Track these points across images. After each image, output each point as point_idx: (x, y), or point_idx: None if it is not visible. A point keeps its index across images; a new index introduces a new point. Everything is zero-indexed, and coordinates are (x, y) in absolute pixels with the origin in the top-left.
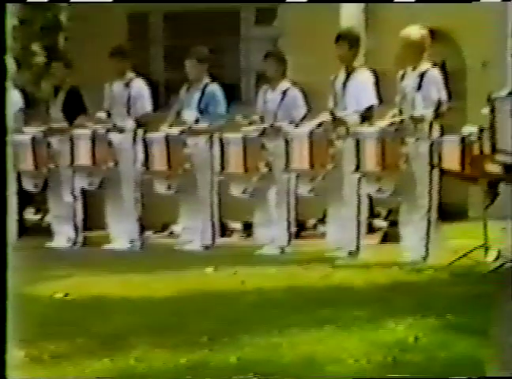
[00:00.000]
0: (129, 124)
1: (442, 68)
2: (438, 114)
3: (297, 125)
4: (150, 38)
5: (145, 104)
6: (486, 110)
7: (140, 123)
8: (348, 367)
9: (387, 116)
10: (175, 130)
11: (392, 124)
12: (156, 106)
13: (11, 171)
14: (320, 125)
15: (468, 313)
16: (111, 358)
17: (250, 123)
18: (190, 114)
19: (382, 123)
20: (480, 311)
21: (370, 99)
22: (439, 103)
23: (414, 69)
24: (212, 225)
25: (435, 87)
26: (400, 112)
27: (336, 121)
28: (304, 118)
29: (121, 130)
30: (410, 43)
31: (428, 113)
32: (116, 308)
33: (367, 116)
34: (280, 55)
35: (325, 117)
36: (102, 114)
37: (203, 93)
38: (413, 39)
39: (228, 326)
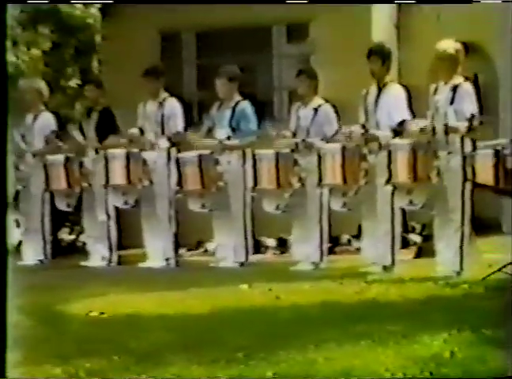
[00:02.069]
0: (163, 142)
1: (475, 81)
2: (470, 128)
3: (328, 142)
4: (183, 57)
5: (178, 123)
6: None
7: (173, 142)
8: None
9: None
10: (207, 148)
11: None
12: (189, 125)
13: (43, 190)
14: (350, 133)
15: (504, 327)
16: (148, 375)
17: (283, 138)
18: (221, 132)
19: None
20: None
21: (403, 114)
22: (472, 117)
23: (446, 83)
24: (246, 242)
25: (468, 101)
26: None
27: (369, 136)
28: (336, 134)
29: (154, 148)
30: (445, 57)
31: (462, 125)
32: (152, 325)
33: (399, 131)
34: (312, 72)
35: (356, 129)
36: (135, 131)
37: (234, 111)
38: (448, 53)
39: (264, 342)
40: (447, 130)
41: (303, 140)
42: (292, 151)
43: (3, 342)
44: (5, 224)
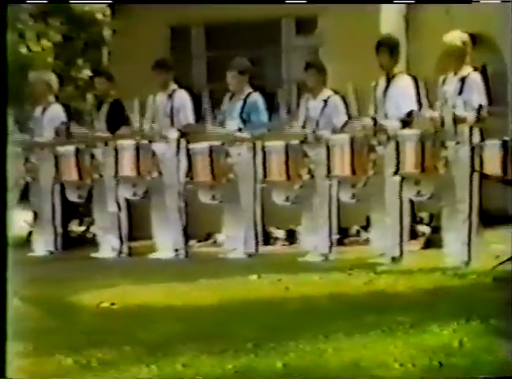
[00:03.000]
0: (173, 134)
1: (483, 72)
2: (478, 118)
3: (337, 133)
4: (192, 50)
5: (188, 115)
6: None
7: (183, 134)
8: (393, 371)
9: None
10: (217, 139)
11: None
12: (199, 117)
13: (53, 182)
14: (362, 127)
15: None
16: (158, 365)
17: (292, 130)
18: (232, 124)
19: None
20: None
21: (410, 104)
22: (480, 108)
23: (455, 74)
24: (256, 233)
25: (476, 91)
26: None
27: (377, 127)
28: (345, 125)
29: (164, 140)
30: (452, 48)
31: (470, 115)
32: (162, 316)
33: (407, 121)
34: (320, 65)
35: (366, 122)
36: (144, 122)
37: (245, 103)
38: (455, 45)
39: (273, 332)
40: (455, 120)
41: (313, 132)
42: (302, 142)
43: (3, 342)
44: (5, 218)
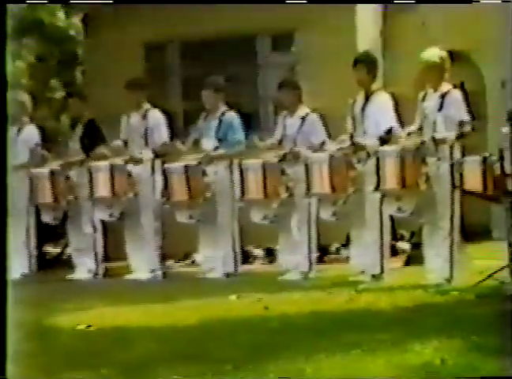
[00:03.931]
0: (147, 155)
1: (462, 89)
2: (460, 135)
3: (316, 151)
4: (167, 68)
5: (162, 134)
6: (506, 130)
7: (157, 154)
8: None
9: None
10: (194, 159)
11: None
12: (173, 136)
13: (27, 204)
14: (340, 149)
15: (495, 334)
16: None
17: (270, 148)
18: (208, 143)
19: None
20: (506, 332)
21: (389, 121)
22: (461, 124)
23: (435, 90)
24: (234, 252)
25: (457, 108)
26: (420, 131)
27: (356, 145)
28: (323, 143)
29: (139, 161)
30: (430, 65)
31: (450, 135)
32: (139, 337)
33: (386, 139)
34: (293, 83)
35: (344, 142)
36: (119, 142)
37: (220, 121)
38: (433, 62)
39: (253, 353)
40: (436, 143)
41: (290, 152)
42: (280, 160)
43: (3, 341)
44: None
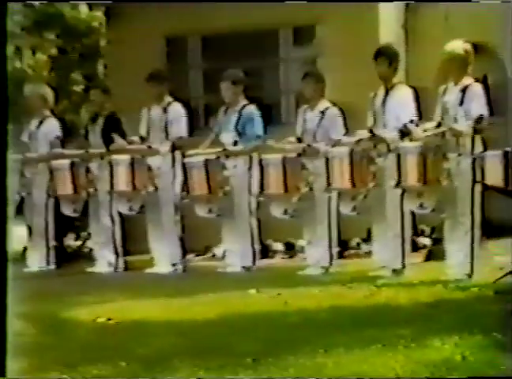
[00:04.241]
0: (164, 148)
1: (484, 82)
2: (478, 129)
3: (334, 145)
4: (189, 61)
5: (181, 128)
6: None
7: (175, 147)
8: None
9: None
10: (211, 153)
11: (429, 135)
12: (192, 129)
13: (46, 196)
14: (358, 142)
15: None
16: None
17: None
18: (227, 137)
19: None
20: None
21: (410, 114)
22: (480, 118)
23: (456, 83)
24: (253, 247)
25: (477, 102)
26: (440, 126)
27: (376, 138)
28: (341, 138)
29: (156, 154)
30: (454, 57)
31: (467, 127)
32: (159, 331)
33: (406, 132)
34: (318, 75)
35: (363, 134)
36: (135, 138)
37: (240, 115)
38: (457, 54)
39: (272, 347)
40: (452, 134)
41: (309, 146)
42: (299, 155)
43: (3, 341)
44: (5, 231)
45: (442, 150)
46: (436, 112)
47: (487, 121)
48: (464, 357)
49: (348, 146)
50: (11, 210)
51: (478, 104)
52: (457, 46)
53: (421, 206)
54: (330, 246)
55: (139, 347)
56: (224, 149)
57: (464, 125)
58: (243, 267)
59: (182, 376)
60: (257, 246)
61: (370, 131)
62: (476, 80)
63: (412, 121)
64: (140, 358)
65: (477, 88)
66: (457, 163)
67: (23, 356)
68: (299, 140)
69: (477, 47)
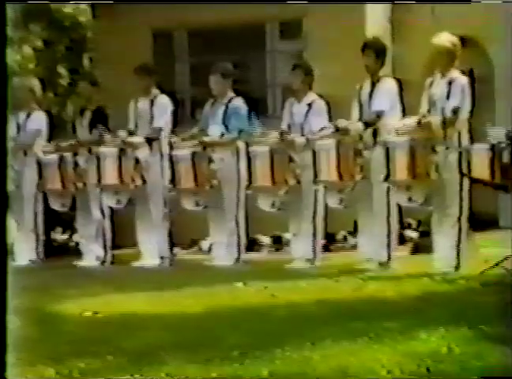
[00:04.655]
0: (138, 139)
1: (470, 75)
2: (450, 121)
3: (314, 137)
4: (175, 55)
5: (163, 119)
6: None
7: (150, 138)
8: (381, 378)
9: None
10: (193, 144)
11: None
12: (177, 122)
13: (36, 190)
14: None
15: (501, 322)
16: (142, 374)
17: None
18: (214, 129)
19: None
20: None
21: (381, 105)
22: (455, 110)
23: (443, 76)
24: (240, 240)
25: (461, 95)
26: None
27: (340, 129)
28: (322, 130)
29: (133, 146)
30: (441, 50)
31: (436, 119)
32: (146, 325)
33: (371, 123)
34: (307, 67)
35: (328, 128)
36: (123, 134)
37: (227, 108)
38: (444, 47)
39: (259, 340)
40: (421, 126)
41: (283, 138)
42: (284, 147)
43: (3, 342)
44: (5, 224)
45: (431, 143)
46: (422, 104)
47: (467, 113)
48: (450, 349)
49: (326, 136)
50: None
51: (458, 97)
52: (445, 39)
53: (410, 199)
54: (315, 239)
55: (126, 341)
56: (203, 141)
57: (433, 118)
58: (231, 260)
59: (168, 370)
60: (244, 239)
61: (334, 124)
62: (463, 73)
63: (381, 112)
64: (126, 352)
65: (463, 81)
66: (445, 156)
67: (10, 349)
68: (282, 134)
69: (464, 40)
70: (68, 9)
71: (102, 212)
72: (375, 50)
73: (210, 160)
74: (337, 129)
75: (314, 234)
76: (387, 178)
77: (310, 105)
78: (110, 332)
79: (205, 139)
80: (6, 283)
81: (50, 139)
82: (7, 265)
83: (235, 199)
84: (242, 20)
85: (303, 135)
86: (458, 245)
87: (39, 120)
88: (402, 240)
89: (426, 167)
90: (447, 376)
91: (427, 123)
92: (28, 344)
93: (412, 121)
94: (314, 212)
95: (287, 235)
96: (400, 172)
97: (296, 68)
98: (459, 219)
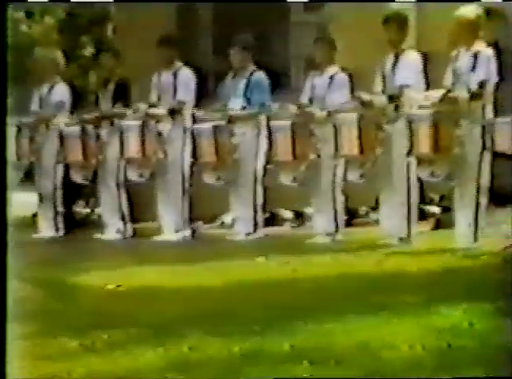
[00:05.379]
0: (161, 111)
1: (496, 47)
2: (478, 94)
3: (329, 112)
4: (198, 27)
5: (187, 93)
6: None
7: (174, 111)
8: (402, 353)
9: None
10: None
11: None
12: (201, 95)
13: (55, 162)
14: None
15: None
16: (165, 347)
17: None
18: (236, 103)
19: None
20: None
21: (405, 79)
22: (482, 84)
23: (467, 49)
24: (258, 214)
25: (483, 67)
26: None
27: (364, 103)
28: (344, 103)
29: (155, 117)
30: (465, 22)
31: (463, 94)
32: (168, 298)
33: (395, 96)
34: (330, 40)
35: (351, 102)
36: (141, 106)
37: (249, 81)
38: (468, 19)
39: (281, 314)
40: (448, 101)
41: (302, 110)
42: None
43: (3, 343)
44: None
45: (454, 117)
46: (446, 78)
47: (493, 86)
48: (471, 324)
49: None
50: (19, 175)
51: (486, 70)
52: (469, 10)
53: (432, 174)
54: (336, 213)
55: (148, 314)
56: (230, 115)
57: (460, 92)
58: (253, 235)
59: (190, 342)
60: (261, 214)
61: (358, 97)
62: (488, 45)
63: (404, 86)
64: (148, 325)
65: (489, 53)
66: (468, 129)
67: (32, 321)
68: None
69: (488, 12)
70: None
71: (117, 185)
72: (397, 23)
73: (232, 134)
74: (361, 103)
75: (335, 209)
76: (410, 152)
77: (332, 78)
78: (132, 305)
79: (229, 113)
80: (6, 284)
81: (72, 111)
82: (7, 266)
83: (253, 173)
84: None
85: (324, 108)
86: (477, 221)
87: (62, 92)
88: (424, 215)
89: (449, 141)
90: (468, 351)
91: (452, 97)
92: (50, 316)
93: (437, 94)
94: (334, 187)
95: (308, 210)
96: (423, 146)
97: (319, 40)
98: (480, 193)
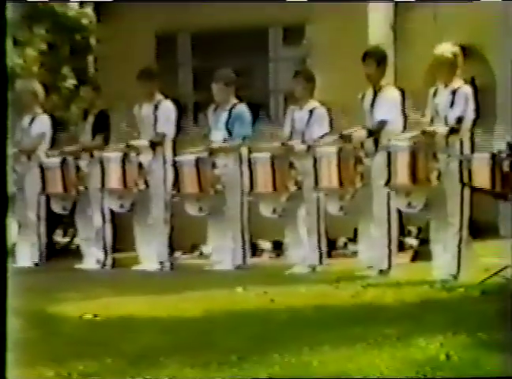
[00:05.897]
0: (142, 143)
1: (472, 84)
2: (452, 130)
3: (309, 145)
4: (178, 59)
5: (170, 126)
6: None
7: (154, 143)
8: None
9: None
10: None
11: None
12: (183, 128)
13: (39, 193)
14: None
15: (500, 330)
16: (142, 377)
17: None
18: (217, 135)
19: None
20: (510, 329)
21: (384, 114)
22: (459, 120)
23: (446, 86)
24: (243, 245)
25: (465, 104)
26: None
27: (344, 137)
28: (323, 137)
29: (136, 150)
30: (443, 60)
31: (442, 129)
32: (146, 328)
33: (375, 131)
34: (309, 74)
35: (330, 135)
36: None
37: (230, 114)
38: (446, 57)
39: (258, 344)
40: (426, 136)
41: (283, 144)
42: (287, 154)
43: (3, 343)
44: (5, 226)
45: (433, 150)
46: (427, 113)
47: (470, 122)
48: (448, 356)
49: (330, 144)
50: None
51: (461, 106)
52: (446, 49)
53: (409, 205)
54: (320, 245)
55: (125, 344)
56: (210, 146)
57: (439, 128)
58: (233, 265)
59: (168, 373)
60: (248, 245)
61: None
62: (465, 83)
63: (384, 121)
64: (126, 355)
65: (467, 91)
66: (446, 163)
67: (9, 350)
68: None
69: (465, 50)
70: (72, 11)
71: (103, 215)
72: (376, 59)
73: (214, 166)
74: (341, 136)
75: (319, 240)
76: (388, 182)
77: (311, 112)
78: (109, 335)
79: (212, 145)
80: (6, 284)
81: (53, 143)
82: (7, 268)
83: (238, 204)
84: (246, 24)
85: (304, 142)
86: (458, 254)
87: (42, 124)
88: (402, 247)
89: (427, 173)
90: None
91: (431, 131)
92: (28, 346)
93: (414, 133)
94: (317, 219)
95: (287, 240)
96: (401, 176)
97: (298, 75)
98: (460, 227)
